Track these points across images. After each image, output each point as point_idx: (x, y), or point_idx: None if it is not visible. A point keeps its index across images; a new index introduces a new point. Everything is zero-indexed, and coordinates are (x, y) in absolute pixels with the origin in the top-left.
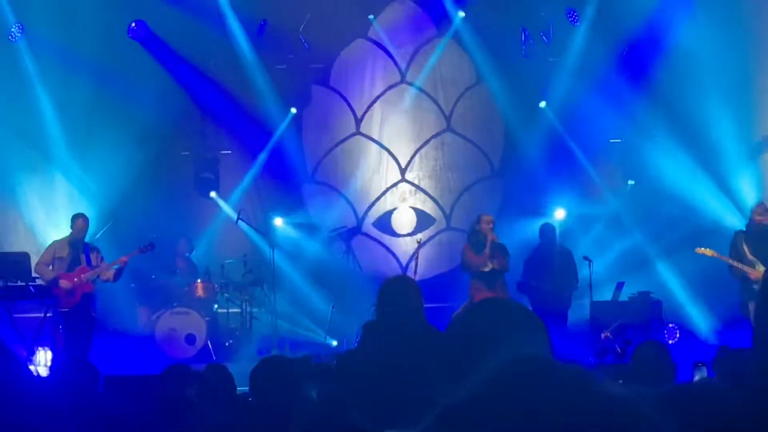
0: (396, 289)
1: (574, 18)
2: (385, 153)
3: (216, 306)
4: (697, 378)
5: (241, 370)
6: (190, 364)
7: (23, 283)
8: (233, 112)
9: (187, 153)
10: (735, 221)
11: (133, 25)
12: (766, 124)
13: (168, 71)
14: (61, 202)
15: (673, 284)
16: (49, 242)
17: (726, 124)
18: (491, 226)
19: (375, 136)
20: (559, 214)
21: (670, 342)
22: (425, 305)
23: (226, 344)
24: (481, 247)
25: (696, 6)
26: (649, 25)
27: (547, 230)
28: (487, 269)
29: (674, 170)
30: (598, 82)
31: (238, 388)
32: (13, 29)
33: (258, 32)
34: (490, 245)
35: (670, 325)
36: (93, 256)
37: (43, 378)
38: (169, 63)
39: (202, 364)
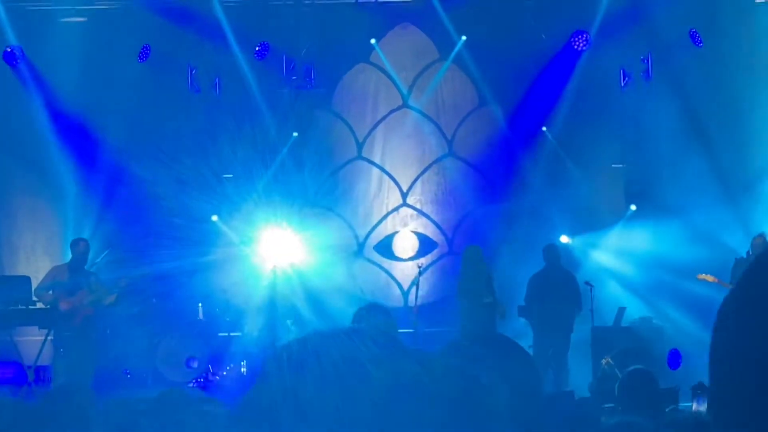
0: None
1: (579, 43)
2: (387, 177)
3: (217, 329)
4: (694, 404)
5: (240, 394)
6: (189, 388)
7: (24, 307)
8: (235, 135)
9: (188, 176)
10: (739, 247)
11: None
12: None
13: (171, 93)
14: (61, 226)
15: (675, 309)
16: (48, 266)
17: (732, 151)
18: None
19: (377, 161)
20: (563, 239)
21: (673, 369)
22: (426, 330)
23: (227, 368)
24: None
25: (700, 35)
26: (653, 51)
27: (550, 252)
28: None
29: (677, 195)
30: (601, 107)
31: None
32: (8, 49)
33: (256, 55)
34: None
35: (672, 351)
36: (92, 281)
37: (40, 401)
38: (173, 85)
39: (202, 388)
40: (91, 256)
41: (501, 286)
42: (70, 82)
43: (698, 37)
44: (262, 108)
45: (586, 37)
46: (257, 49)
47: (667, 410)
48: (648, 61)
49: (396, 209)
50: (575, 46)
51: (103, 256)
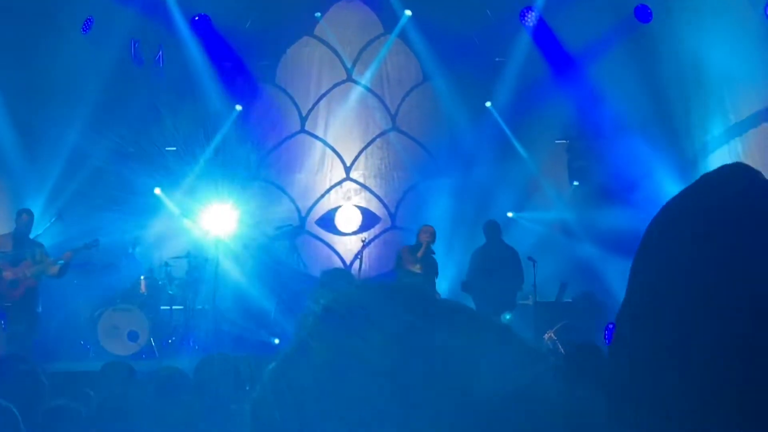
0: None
1: (528, 19)
2: (330, 151)
3: (159, 303)
4: None
5: (183, 367)
6: (132, 361)
7: None
8: (178, 108)
9: (132, 149)
10: None
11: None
12: (713, 123)
13: (113, 66)
14: (4, 197)
15: (617, 285)
16: None
17: (676, 125)
18: (428, 235)
19: (320, 134)
20: (509, 215)
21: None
22: None
23: (169, 341)
24: (417, 250)
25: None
26: (598, 27)
27: (490, 228)
28: (416, 269)
29: (619, 171)
30: (544, 83)
31: None
32: None
33: (193, 23)
34: (425, 248)
35: (610, 325)
36: (37, 252)
37: None
38: (115, 58)
39: (144, 361)
40: (35, 226)
41: (444, 262)
42: (10, 53)
43: (646, 12)
44: (205, 81)
45: (536, 13)
46: (195, 18)
47: None
48: (592, 36)
49: (339, 183)
50: (524, 22)
51: (47, 227)
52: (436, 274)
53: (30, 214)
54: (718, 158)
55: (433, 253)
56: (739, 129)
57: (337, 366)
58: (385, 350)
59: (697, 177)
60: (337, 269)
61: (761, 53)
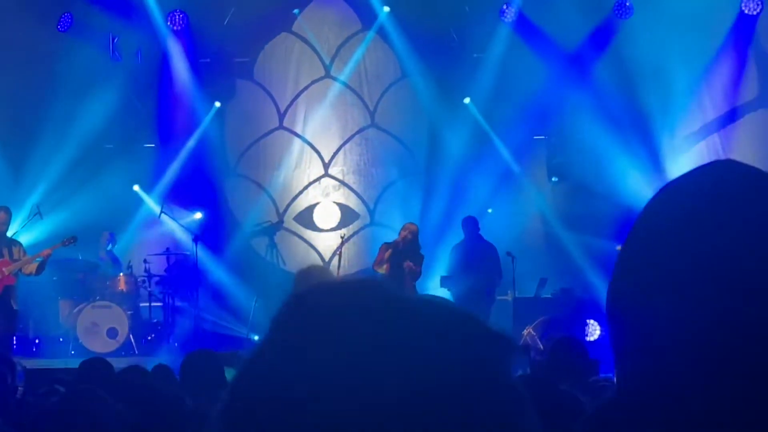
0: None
1: (508, 15)
2: (308, 147)
3: (138, 300)
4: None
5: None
6: (111, 358)
7: None
8: (157, 105)
9: (110, 146)
10: None
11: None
12: (691, 121)
13: (92, 63)
14: None
15: (596, 281)
16: None
17: (653, 122)
18: (406, 233)
19: (298, 131)
20: (489, 211)
21: (590, 339)
22: None
23: (148, 338)
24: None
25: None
26: (578, 22)
27: (468, 224)
28: (381, 270)
29: (597, 166)
30: (523, 79)
31: None
32: None
33: (170, 19)
34: (391, 249)
35: (590, 322)
36: (15, 250)
37: None
38: (95, 55)
39: (124, 358)
40: (13, 224)
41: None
42: None
43: (625, 8)
44: (183, 77)
45: (514, 9)
46: (174, 14)
47: (590, 380)
48: (572, 32)
49: (317, 180)
50: (503, 18)
51: (25, 224)
52: (415, 271)
53: (7, 211)
54: (697, 153)
55: (420, 248)
56: (718, 124)
57: (295, 367)
58: (344, 351)
59: (677, 173)
60: (312, 266)
61: (739, 47)
